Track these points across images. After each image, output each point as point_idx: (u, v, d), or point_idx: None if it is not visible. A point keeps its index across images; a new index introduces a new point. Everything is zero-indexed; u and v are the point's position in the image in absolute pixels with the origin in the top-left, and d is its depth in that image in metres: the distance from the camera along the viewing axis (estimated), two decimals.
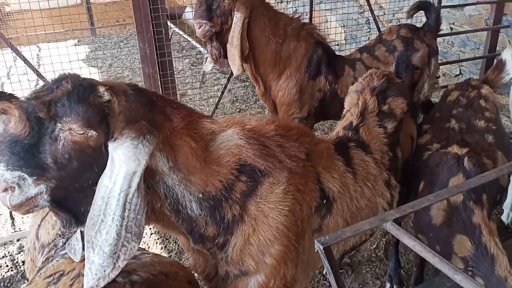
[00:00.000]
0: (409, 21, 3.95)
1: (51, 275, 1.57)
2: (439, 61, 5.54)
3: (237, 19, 2.98)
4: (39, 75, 3.02)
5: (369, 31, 6.55)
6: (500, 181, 2.39)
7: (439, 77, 4.06)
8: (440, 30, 3.81)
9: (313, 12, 4.28)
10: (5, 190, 1.27)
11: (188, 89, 7.18)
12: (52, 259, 1.76)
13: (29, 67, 3.01)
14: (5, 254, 3.53)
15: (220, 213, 1.55)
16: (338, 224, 1.89)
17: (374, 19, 4.22)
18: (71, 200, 1.38)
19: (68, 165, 1.30)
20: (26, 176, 1.27)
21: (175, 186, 1.47)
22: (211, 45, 3.07)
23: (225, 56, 3.13)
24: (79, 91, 1.31)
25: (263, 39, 3.17)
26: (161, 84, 3.42)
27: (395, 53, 3.56)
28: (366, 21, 6.69)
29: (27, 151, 1.26)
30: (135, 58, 8.28)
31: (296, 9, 6.03)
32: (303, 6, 7.96)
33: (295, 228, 1.68)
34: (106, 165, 1.34)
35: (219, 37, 3.07)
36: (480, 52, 4.87)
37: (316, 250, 1.31)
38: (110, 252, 1.30)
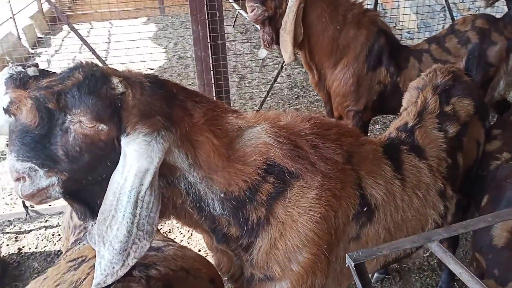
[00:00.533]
0: (488, 11, 3.53)
1: (74, 260, 1.56)
2: None
3: (292, 3, 2.81)
4: (94, 53, 3.06)
5: (444, 19, 6.03)
6: None
7: None
8: None
9: None
10: (17, 179, 1.25)
11: (247, 72, 7.11)
12: (79, 242, 1.75)
13: (85, 45, 3.06)
14: (58, 223, 3.68)
15: (243, 214, 1.44)
16: (379, 234, 1.72)
17: (448, 6, 3.84)
18: (86, 193, 1.34)
19: (79, 158, 1.25)
20: (36, 167, 1.23)
21: (197, 184, 1.38)
22: (263, 30, 2.94)
23: (277, 42, 2.98)
24: (90, 82, 1.24)
25: (320, 26, 2.97)
26: (213, 68, 3.35)
27: (468, 46, 3.21)
28: (441, 8, 6.16)
29: (37, 142, 1.23)
30: None
31: None
32: None
33: (327, 236, 1.53)
34: (119, 159, 1.28)
35: (272, 21, 2.92)
36: None
37: (347, 266, 1.17)
38: (120, 249, 1.24)
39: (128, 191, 1.24)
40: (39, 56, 7.61)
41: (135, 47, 5.74)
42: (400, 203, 1.76)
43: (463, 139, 2.07)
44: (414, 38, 6.49)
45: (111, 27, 9.39)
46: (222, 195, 1.40)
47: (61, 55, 7.52)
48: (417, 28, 6.55)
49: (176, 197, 1.40)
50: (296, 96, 6.02)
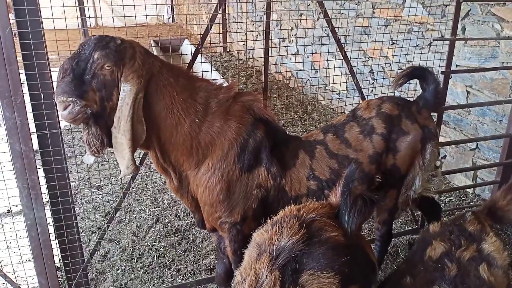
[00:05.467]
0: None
1: None
2: (453, 128, 4.44)
3: (126, 93, 2.01)
4: None
5: (373, 82, 5.51)
6: None
7: (439, 166, 2.97)
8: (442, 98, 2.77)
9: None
10: None
11: None
12: None
13: None
14: None
15: None
16: None
17: (351, 69, 3.23)
18: None
19: None
20: None
21: None
22: (88, 132, 2.06)
23: (111, 145, 2.14)
24: None
25: (171, 119, 2.18)
26: (42, 165, 2.48)
27: (372, 137, 2.53)
28: (370, 71, 5.66)
29: None
30: None
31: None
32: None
33: None
34: None
35: (99, 119, 2.06)
36: (503, 125, 3.76)
37: None
38: None
39: None
40: None
41: None
42: None
43: None
44: (343, 99, 5.94)
45: None
46: None
47: None
48: (346, 90, 6.00)
49: None
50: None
